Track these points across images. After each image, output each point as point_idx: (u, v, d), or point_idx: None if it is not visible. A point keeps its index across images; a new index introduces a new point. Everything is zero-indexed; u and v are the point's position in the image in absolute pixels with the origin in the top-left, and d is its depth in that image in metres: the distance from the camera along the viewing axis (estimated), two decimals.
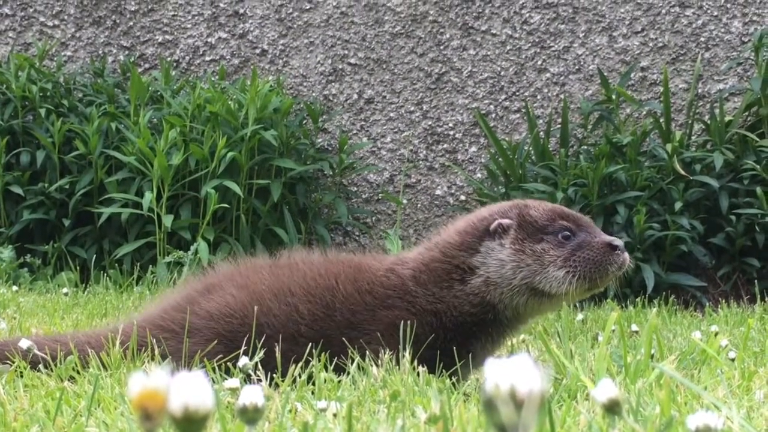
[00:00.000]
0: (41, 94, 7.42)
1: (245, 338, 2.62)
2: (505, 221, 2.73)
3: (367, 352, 2.59)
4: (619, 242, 2.70)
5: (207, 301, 2.73)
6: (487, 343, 2.75)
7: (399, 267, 2.80)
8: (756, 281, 6.24)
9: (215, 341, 2.64)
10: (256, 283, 2.76)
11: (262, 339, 2.61)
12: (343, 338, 2.64)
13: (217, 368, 2.49)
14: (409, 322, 2.64)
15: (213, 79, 7.72)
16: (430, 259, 2.79)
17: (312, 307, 2.69)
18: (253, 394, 1.10)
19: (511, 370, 0.60)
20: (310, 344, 2.60)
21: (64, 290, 5.52)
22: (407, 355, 2.48)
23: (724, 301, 5.77)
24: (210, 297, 2.74)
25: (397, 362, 2.51)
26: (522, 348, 3.53)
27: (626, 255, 2.71)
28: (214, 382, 2.37)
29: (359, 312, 2.70)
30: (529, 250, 2.69)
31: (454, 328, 2.69)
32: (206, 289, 2.80)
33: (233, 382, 2.05)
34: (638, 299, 5.61)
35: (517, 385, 0.59)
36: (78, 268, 6.81)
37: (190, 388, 0.73)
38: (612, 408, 1.13)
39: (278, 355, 2.52)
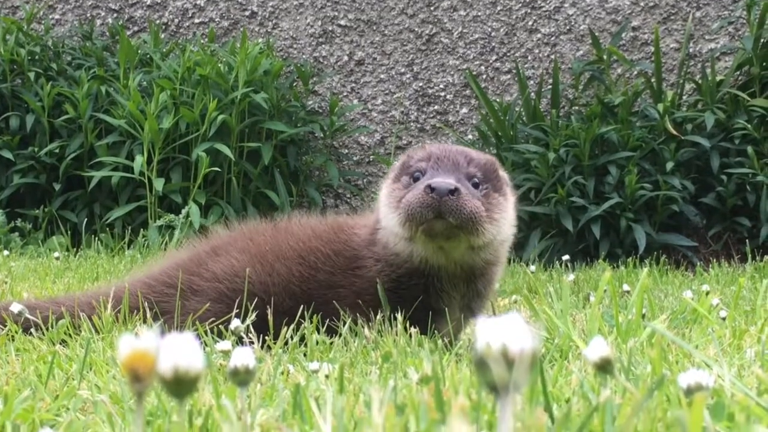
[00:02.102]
0: (30, 57, 7.38)
1: (248, 298, 2.62)
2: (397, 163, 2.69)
3: (348, 311, 2.58)
4: (437, 184, 2.42)
5: (213, 263, 2.73)
6: (444, 298, 2.64)
7: (360, 229, 2.77)
8: (747, 240, 6.26)
9: (219, 301, 2.64)
10: (259, 244, 2.75)
11: (256, 300, 2.61)
12: (323, 298, 2.63)
13: (209, 331, 2.49)
14: (377, 285, 2.61)
15: (202, 41, 7.68)
16: (375, 215, 2.75)
17: (302, 268, 2.69)
18: (244, 356, 1.10)
19: (502, 329, 0.60)
20: (302, 306, 2.60)
21: (56, 254, 5.51)
22: (399, 316, 2.47)
23: (715, 260, 5.79)
24: (216, 259, 2.74)
25: (390, 324, 2.50)
26: (513, 308, 3.54)
27: (449, 199, 2.41)
28: (206, 345, 2.37)
29: (335, 273, 2.68)
30: (386, 190, 2.63)
31: (395, 288, 2.62)
32: (213, 250, 2.80)
33: (225, 344, 2.05)
34: (630, 259, 5.62)
35: (509, 344, 0.59)
36: (69, 232, 6.79)
37: (180, 350, 0.73)
38: (604, 367, 1.13)
39: (270, 318, 2.52)
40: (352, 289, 2.65)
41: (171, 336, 0.73)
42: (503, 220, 2.61)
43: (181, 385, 0.71)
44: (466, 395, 1.23)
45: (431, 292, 2.63)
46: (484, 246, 2.56)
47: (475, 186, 2.56)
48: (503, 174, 2.70)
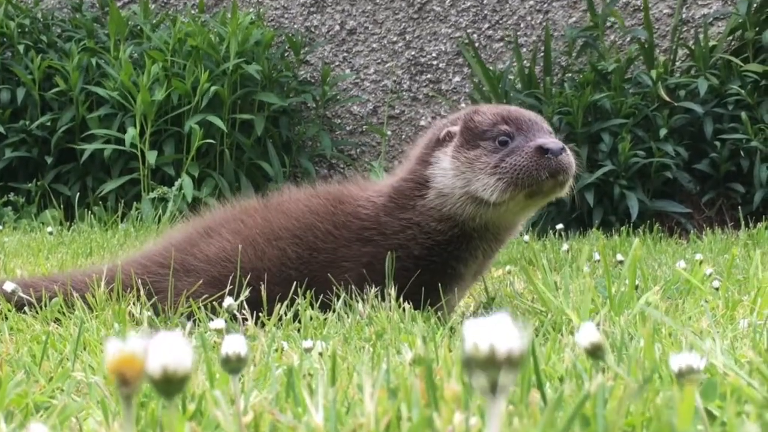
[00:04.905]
0: (19, 30, 7.35)
1: (238, 283, 2.59)
2: (453, 128, 2.64)
3: (352, 287, 2.56)
4: (551, 144, 2.48)
5: (206, 245, 2.70)
6: (470, 262, 2.66)
7: (375, 196, 2.72)
8: (740, 207, 6.26)
9: (211, 284, 2.62)
10: (250, 227, 2.71)
11: (247, 280, 2.59)
12: (329, 275, 2.60)
13: (203, 308, 2.48)
14: (387, 256, 2.59)
15: (192, 12, 7.64)
16: (398, 180, 2.70)
17: (298, 249, 2.65)
18: (235, 344, 1.09)
19: (490, 330, 0.60)
20: (295, 283, 2.58)
21: (49, 229, 5.50)
22: (393, 291, 2.47)
23: (708, 227, 5.79)
24: (209, 240, 2.72)
25: (383, 298, 2.50)
26: (507, 279, 3.55)
27: (563, 158, 2.47)
28: (199, 321, 2.37)
29: (338, 249, 2.64)
30: (463, 157, 2.57)
31: (426, 255, 2.61)
32: (206, 231, 2.77)
33: (219, 323, 2.05)
34: (623, 228, 5.62)
35: (497, 346, 0.59)
36: (62, 206, 6.79)
37: (168, 349, 0.72)
38: (595, 352, 1.13)
39: (264, 294, 2.51)
40: (361, 261, 2.62)
41: (160, 335, 0.73)
42: None
43: (169, 385, 0.71)
44: (458, 379, 1.23)
45: (462, 256, 2.63)
46: None
47: None
48: None
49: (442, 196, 2.60)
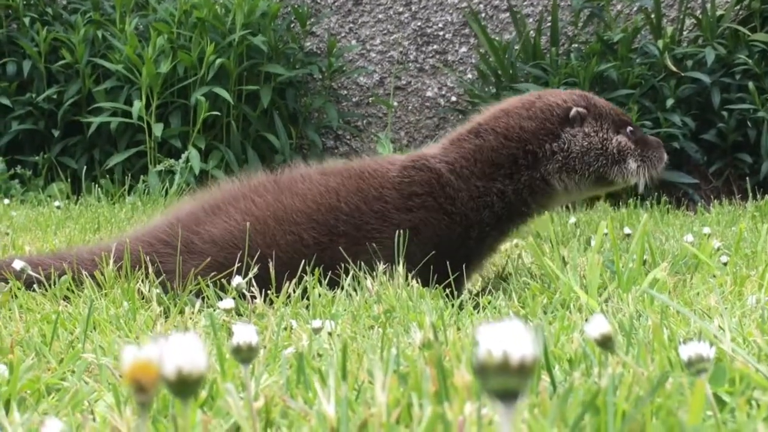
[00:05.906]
0: (25, 2, 7.32)
1: (245, 268, 2.54)
2: (582, 110, 2.78)
3: (363, 263, 2.54)
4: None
5: (212, 225, 2.64)
6: (509, 234, 2.80)
7: (425, 162, 2.68)
8: (747, 177, 6.25)
9: (216, 268, 2.57)
10: (261, 208, 2.63)
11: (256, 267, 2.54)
12: (349, 258, 2.55)
13: (212, 285, 2.46)
14: (437, 221, 2.61)
15: None
16: (478, 148, 2.71)
17: (316, 234, 2.58)
18: (246, 333, 1.10)
19: (503, 336, 0.60)
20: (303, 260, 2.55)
21: (57, 203, 5.51)
22: (400, 269, 2.46)
23: (715, 198, 5.78)
24: (215, 220, 2.64)
25: (391, 276, 2.49)
26: (516, 253, 3.54)
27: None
28: (208, 298, 2.38)
29: (366, 223, 2.59)
30: (614, 141, 2.80)
31: (491, 222, 2.66)
32: (212, 209, 2.69)
33: (228, 302, 2.06)
34: (630, 199, 5.61)
35: (510, 352, 0.59)
36: (69, 179, 6.79)
37: (183, 351, 0.73)
38: (605, 343, 1.13)
39: (272, 271, 2.50)
40: (396, 231, 2.56)
41: (174, 336, 0.73)
42: None
43: (185, 386, 0.71)
44: (468, 365, 1.24)
45: (511, 231, 2.80)
46: None
47: None
48: None
49: (566, 171, 2.76)
